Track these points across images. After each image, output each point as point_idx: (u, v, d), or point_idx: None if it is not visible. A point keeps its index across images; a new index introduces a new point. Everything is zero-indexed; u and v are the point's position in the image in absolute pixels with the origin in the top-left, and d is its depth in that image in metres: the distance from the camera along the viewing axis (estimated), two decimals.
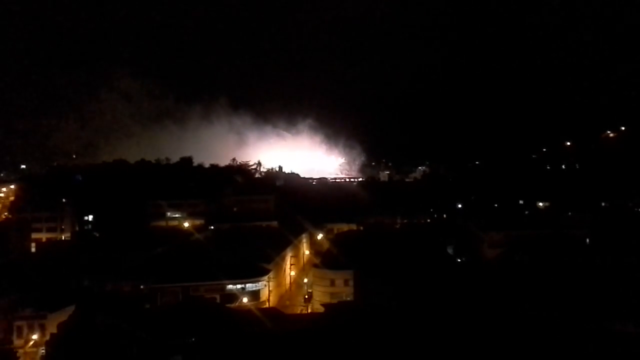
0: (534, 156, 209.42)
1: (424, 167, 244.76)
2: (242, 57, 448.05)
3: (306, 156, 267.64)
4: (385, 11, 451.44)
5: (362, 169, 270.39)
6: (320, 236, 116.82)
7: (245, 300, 72.40)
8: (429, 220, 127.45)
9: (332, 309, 58.33)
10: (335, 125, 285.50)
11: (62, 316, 59.76)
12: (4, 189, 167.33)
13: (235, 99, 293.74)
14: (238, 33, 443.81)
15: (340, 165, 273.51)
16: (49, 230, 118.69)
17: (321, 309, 64.36)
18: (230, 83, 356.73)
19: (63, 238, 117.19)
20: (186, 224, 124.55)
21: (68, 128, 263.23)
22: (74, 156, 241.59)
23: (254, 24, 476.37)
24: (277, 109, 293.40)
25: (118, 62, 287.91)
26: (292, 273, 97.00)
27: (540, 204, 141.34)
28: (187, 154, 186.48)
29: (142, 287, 73.05)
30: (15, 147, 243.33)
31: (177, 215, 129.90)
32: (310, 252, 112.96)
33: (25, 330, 63.24)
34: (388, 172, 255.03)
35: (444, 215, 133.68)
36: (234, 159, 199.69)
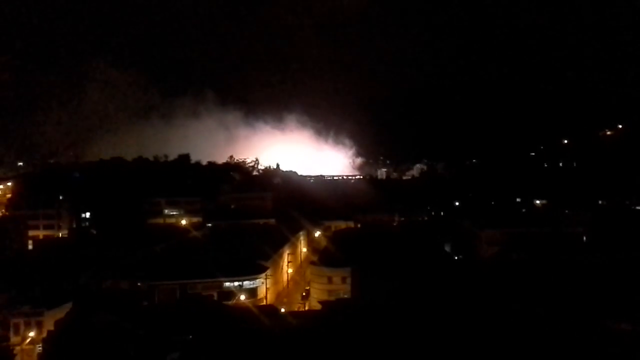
0: (531, 154, 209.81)
1: (421, 165, 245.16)
2: (231, 51, 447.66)
3: (308, 153, 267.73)
4: (380, 6, 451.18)
5: (360, 167, 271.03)
6: (317, 234, 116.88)
7: (242, 297, 72.41)
8: (426, 218, 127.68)
9: (330, 307, 58.31)
10: (330, 121, 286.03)
11: (60, 313, 59.76)
12: (0, 187, 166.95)
13: (223, 94, 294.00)
14: (228, 28, 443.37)
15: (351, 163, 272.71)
16: (46, 227, 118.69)
17: (319, 307, 64.39)
18: (218, 78, 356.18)
19: (60, 235, 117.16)
20: (184, 222, 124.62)
21: (60, 125, 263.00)
22: (71, 153, 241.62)
23: (242, 18, 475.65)
24: (267, 104, 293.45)
25: (105, 58, 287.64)
26: (290, 270, 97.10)
27: (538, 201, 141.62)
28: (176, 150, 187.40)
29: (139, 284, 72.98)
30: (12, 144, 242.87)
31: (174, 213, 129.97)
32: (307, 250, 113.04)
33: (22, 328, 63.25)
34: (385, 170, 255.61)
35: (442, 213, 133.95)
36: (231, 157, 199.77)
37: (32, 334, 62.83)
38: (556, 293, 55.17)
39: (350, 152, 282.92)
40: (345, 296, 70.04)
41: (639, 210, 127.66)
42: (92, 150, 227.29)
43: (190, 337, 47.52)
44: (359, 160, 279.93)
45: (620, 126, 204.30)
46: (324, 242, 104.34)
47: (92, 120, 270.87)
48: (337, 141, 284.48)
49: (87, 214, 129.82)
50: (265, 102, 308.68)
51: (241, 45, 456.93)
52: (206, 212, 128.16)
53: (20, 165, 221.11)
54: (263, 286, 76.07)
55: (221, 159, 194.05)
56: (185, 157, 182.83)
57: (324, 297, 71.89)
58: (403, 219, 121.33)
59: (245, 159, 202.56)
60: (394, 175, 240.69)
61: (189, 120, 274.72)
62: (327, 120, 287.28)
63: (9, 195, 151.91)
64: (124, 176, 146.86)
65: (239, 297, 72.59)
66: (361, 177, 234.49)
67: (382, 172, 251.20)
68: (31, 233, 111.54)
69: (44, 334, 57.72)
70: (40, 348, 58.41)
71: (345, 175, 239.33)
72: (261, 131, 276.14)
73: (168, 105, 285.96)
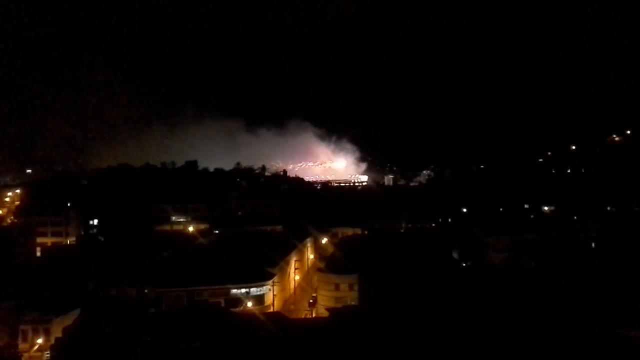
0: (539, 160, 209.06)
1: (428, 171, 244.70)
2: (230, 58, 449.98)
3: (312, 159, 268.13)
4: (388, 11, 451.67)
5: (366, 173, 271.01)
6: (324, 240, 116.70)
7: (249, 304, 72.31)
8: (433, 225, 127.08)
9: (337, 314, 58.13)
10: (333, 127, 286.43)
11: (67, 320, 59.91)
12: (9, 194, 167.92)
13: (224, 101, 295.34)
14: (226, 34, 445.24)
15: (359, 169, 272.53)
16: (54, 234, 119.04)
17: (326, 314, 64.20)
18: (218, 84, 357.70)
19: (68, 242, 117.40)
20: (191, 228, 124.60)
21: (64, 132, 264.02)
22: (79, 161, 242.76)
23: (241, 23, 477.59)
24: (269, 110, 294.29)
25: (106, 65, 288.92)
26: (297, 277, 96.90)
27: (546, 208, 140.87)
28: (179, 156, 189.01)
29: (146, 291, 73.08)
30: (21, 151, 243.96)
31: (181, 220, 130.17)
32: (314, 257, 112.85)
33: (30, 334, 63.37)
34: (393, 176, 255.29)
35: (449, 220, 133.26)
36: (238, 163, 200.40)
37: (40, 340, 62.92)
38: (566, 300, 54.80)
39: (354, 157, 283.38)
40: (353, 303, 69.80)
41: None
42: (96, 157, 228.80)
43: (198, 344, 47.42)
44: (363, 165, 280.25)
45: (628, 132, 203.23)
46: (331, 249, 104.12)
47: (96, 127, 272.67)
48: (341, 147, 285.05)
49: (95, 221, 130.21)
50: (267, 108, 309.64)
51: (241, 51, 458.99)
52: (213, 219, 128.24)
53: (28, 173, 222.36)
54: (270, 293, 75.91)
55: (224, 165, 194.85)
56: (192, 164, 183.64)
57: (331, 304, 71.64)
58: (410, 225, 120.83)
59: (252, 165, 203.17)
60: (401, 181, 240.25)
61: (192, 127, 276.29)
62: (329, 126, 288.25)
63: (17, 202, 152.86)
64: (131, 183, 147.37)
65: (246, 304, 72.48)
66: (368, 183, 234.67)
67: (389, 179, 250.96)
68: (39, 240, 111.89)
69: (52, 341, 57.73)
70: (48, 355, 58.48)
71: (352, 182, 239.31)
72: (264, 137, 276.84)
73: (170, 112, 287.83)
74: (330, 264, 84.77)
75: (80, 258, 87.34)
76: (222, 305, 69.76)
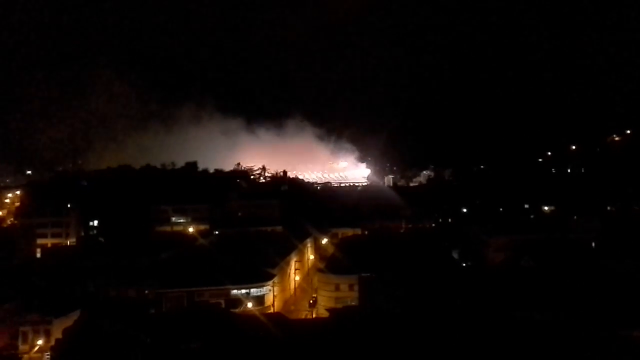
0: (539, 160, 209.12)
1: (428, 172, 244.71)
2: (230, 58, 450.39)
3: (311, 159, 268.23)
4: (388, 10, 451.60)
5: (367, 173, 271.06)
6: (325, 241, 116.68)
7: (249, 305, 72.30)
8: (433, 225, 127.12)
9: (337, 314, 58.10)
10: (336, 128, 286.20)
11: (67, 321, 59.82)
12: (9, 195, 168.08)
13: (223, 101, 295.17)
14: (228, 34, 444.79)
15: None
16: (54, 235, 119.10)
17: (326, 314, 64.16)
18: (218, 85, 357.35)
19: (68, 243, 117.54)
20: (191, 229, 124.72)
21: (63, 134, 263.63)
22: (80, 161, 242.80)
23: (241, 24, 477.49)
24: (268, 110, 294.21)
25: (106, 66, 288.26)
26: (297, 278, 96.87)
27: (546, 208, 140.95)
28: (178, 157, 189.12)
29: (147, 292, 73.16)
30: (21, 152, 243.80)
31: (181, 220, 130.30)
32: (315, 257, 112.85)
33: (30, 336, 63.35)
34: (393, 177, 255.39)
35: (449, 220, 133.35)
36: (238, 164, 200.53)
37: (40, 342, 62.90)
38: (566, 300, 54.78)
39: (354, 158, 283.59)
40: (353, 304, 69.74)
41: None
42: (96, 158, 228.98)
43: (198, 345, 47.42)
44: (363, 165, 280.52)
45: (628, 132, 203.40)
46: (331, 249, 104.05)
47: (96, 128, 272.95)
48: (341, 147, 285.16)
49: (95, 222, 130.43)
50: (267, 108, 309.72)
51: (240, 51, 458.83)
52: (213, 220, 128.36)
53: (28, 174, 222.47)
54: (270, 294, 75.94)
55: (224, 166, 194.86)
56: (192, 165, 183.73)
57: (332, 304, 71.59)
58: (410, 225, 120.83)
59: (252, 166, 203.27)
60: (401, 182, 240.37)
61: (190, 128, 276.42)
62: (328, 126, 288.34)
63: (17, 204, 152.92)
64: (131, 184, 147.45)
65: (246, 304, 72.48)
66: (368, 183, 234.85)
67: (389, 179, 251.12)
68: (39, 241, 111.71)
69: (52, 342, 57.77)
70: (49, 356, 58.51)
71: (352, 182, 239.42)
72: (263, 138, 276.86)
73: (170, 112, 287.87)
74: (330, 265, 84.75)
75: (80, 259, 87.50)
76: (223, 305, 69.83)
